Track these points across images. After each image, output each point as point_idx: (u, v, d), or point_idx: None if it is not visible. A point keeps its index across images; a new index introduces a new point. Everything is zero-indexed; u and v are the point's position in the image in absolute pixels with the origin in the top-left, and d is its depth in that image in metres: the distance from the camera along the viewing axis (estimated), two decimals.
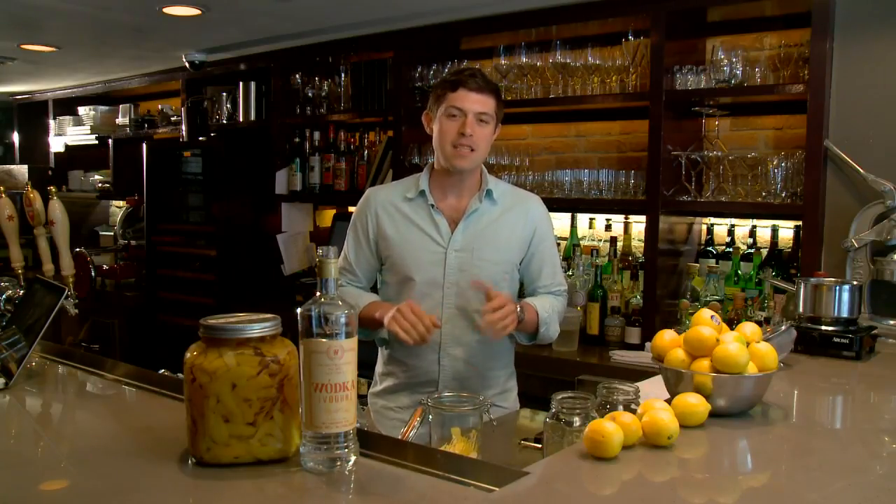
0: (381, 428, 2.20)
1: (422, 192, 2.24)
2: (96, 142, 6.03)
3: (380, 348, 2.36)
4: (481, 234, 2.23)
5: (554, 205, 3.56)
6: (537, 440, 1.72)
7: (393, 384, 2.30)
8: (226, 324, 1.31)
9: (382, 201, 2.27)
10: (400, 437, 1.68)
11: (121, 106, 5.94)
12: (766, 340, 1.73)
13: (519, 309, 2.13)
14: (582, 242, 3.68)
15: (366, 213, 2.28)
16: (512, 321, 2.06)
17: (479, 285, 2.11)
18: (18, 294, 2.20)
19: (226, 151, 4.78)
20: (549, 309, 2.24)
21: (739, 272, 3.18)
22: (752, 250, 3.24)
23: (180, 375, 1.51)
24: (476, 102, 2.14)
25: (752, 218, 3.26)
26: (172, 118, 5.46)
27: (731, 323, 2.31)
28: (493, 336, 2.09)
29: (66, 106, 6.42)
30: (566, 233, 3.74)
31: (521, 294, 2.38)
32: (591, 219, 3.66)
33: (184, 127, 5.00)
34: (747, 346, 1.61)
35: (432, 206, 2.23)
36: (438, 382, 2.22)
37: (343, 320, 1.27)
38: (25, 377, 1.89)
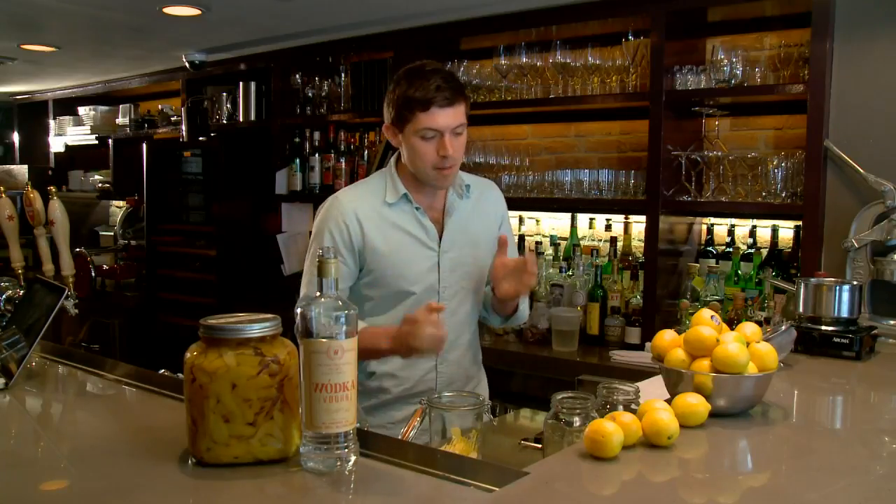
0: None
1: (404, 195, 2.10)
2: (96, 142, 6.03)
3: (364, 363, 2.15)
4: (464, 230, 2.16)
5: (554, 205, 3.59)
6: (537, 440, 1.72)
7: (385, 400, 2.15)
8: (226, 324, 1.31)
9: (364, 210, 2.08)
10: (400, 437, 1.68)
11: (121, 106, 5.93)
12: (766, 340, 1.72)
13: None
14: (582, 242, 3.68)
15: (345, 223, 2.06)
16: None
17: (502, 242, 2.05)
18: (18, 294, 2.20)
19: (226, 151, 4.78)
20: None
21: (739, 272, 3.17)
22: (752, 250, 3.24)
23: (180, 375, 1.51)
24: (450, 117, 1.98)
25: (752, 218, 3.26)
26: (172, 118, 5.46)
27: (731, 323, 2.31)
28: (517, 292, 2.05)
29: (66, 106, 6.42)
30: (566, 233, 3.73)
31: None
32: (591, 219, 3.66)
33: (184, 127, 5.00)
34: (747, 346, 1.61)
35: (417, 208, 2.11)
36: (436, 391, 2.11)
37: (343, 320, 1.27)
38: (25, 377, 1.89)
